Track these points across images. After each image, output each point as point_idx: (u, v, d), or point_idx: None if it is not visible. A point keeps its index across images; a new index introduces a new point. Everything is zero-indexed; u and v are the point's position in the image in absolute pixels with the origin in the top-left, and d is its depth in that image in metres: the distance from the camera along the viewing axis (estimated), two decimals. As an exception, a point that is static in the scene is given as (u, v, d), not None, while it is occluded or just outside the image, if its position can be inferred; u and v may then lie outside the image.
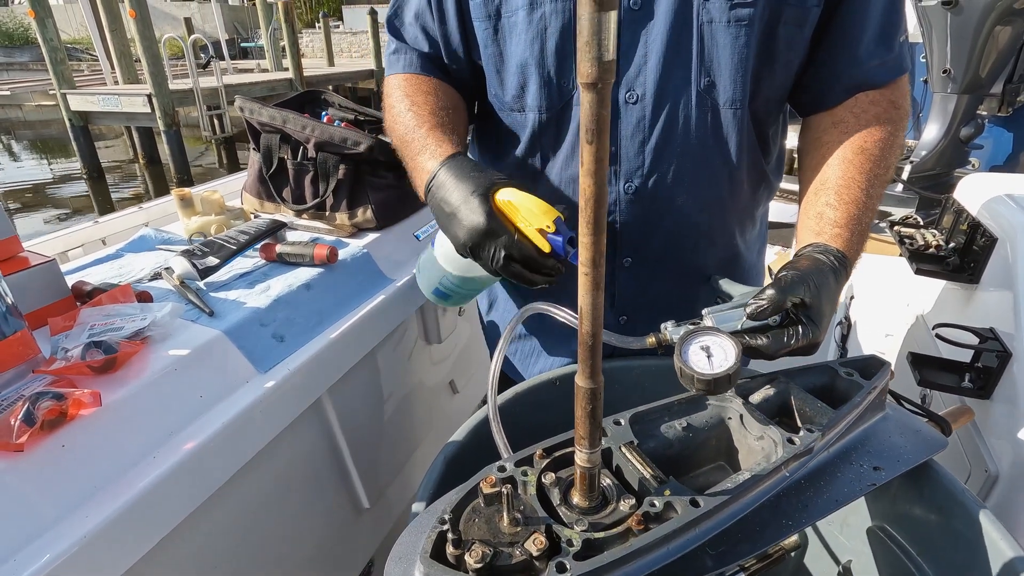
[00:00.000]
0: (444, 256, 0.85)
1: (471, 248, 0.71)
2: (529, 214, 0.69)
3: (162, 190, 10.36)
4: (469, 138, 1.03)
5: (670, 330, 0.66)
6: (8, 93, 14.50)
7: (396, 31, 0.93)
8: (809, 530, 0.94)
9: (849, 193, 0.74)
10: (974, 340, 1.11)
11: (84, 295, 0.92)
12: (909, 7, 2.90)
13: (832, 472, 0.71)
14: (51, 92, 10.70)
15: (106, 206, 9.71)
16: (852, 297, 2.01)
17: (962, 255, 1.34)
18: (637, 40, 0.76)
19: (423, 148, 0.79)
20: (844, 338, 1.98)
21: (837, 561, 0.90)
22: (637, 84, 0.77)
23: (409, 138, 0.82)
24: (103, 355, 0.76)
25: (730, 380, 0.57)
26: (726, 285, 0.74)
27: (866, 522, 0.84)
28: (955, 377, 1.14)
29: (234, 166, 11.90)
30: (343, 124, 1.31)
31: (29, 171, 12.08)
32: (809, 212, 0.76)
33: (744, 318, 0.64)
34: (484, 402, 1.91)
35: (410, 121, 0.83)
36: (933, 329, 1.19)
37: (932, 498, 0.74)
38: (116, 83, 10.97)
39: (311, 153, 1.20)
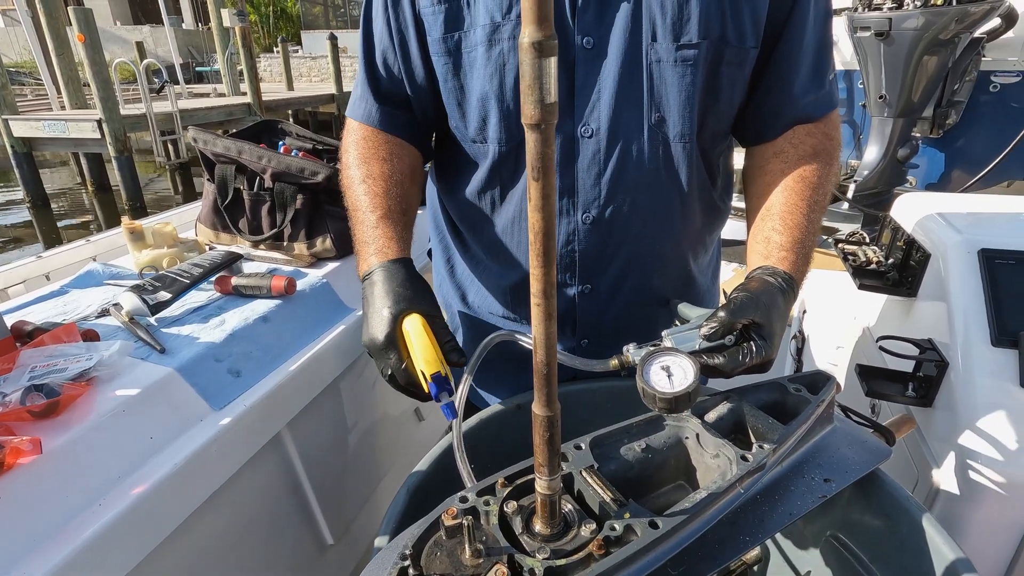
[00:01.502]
0: None
1: (368, 352, 0.78)
2: (417, 355, 0.74)
3: (113, 218, 9.98)
4: (428, 166, 1.04)
5: (632, 352, 0.69)
6: (-56, 119, 13.79)
7: (366, 70, 0.92)
8: (770, 543, 0.96)
9: (793, 218, 0.79)
10: (915, 351, 1.17)
11: (24, 335, 0.88)
12: (844, 40, 3.09)
13: (786, 486, 0.74)
14: (-8, 118, 10.25)
15: (51, 235, 9.28)
16: (805, 311, 2.09)
17: (900, 270, 1.42)
18: (591, 78, 0.80)
19: (371, 239, 0.84)
20: (799, 351, 2.05)
21: (797, 572, 0.92)
22: (592, 119, 0.81)
23: (360, 219, 0.87)
24: (44, 399, 0.72)
25: (690, 398, 0.59)
26: (684, 308, 0.77)
27: (821, 532, 0.87)
28: (900, 387, 1.20)
29: (189, 192, 11.59)
30: (301, 154, 1.30)
31: (-34, 200, 11.47)
32: (757, 237, 0.80)
33: (700, 339, 0.68)
34: (449, 430, 1.90)
35: (363, 198, 0.87)
36: (877, 341, 1.25)
37: (879, 506, 0.77)
38: (63, 108, 10.59)
39: (268, 183, 1.19)
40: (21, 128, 9.56)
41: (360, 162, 0.90)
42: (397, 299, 0.77)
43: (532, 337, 0.49)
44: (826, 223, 3.47)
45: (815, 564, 0.89)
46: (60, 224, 9.91)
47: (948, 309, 1.16)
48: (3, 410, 0.70)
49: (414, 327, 0.75)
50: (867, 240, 1.66)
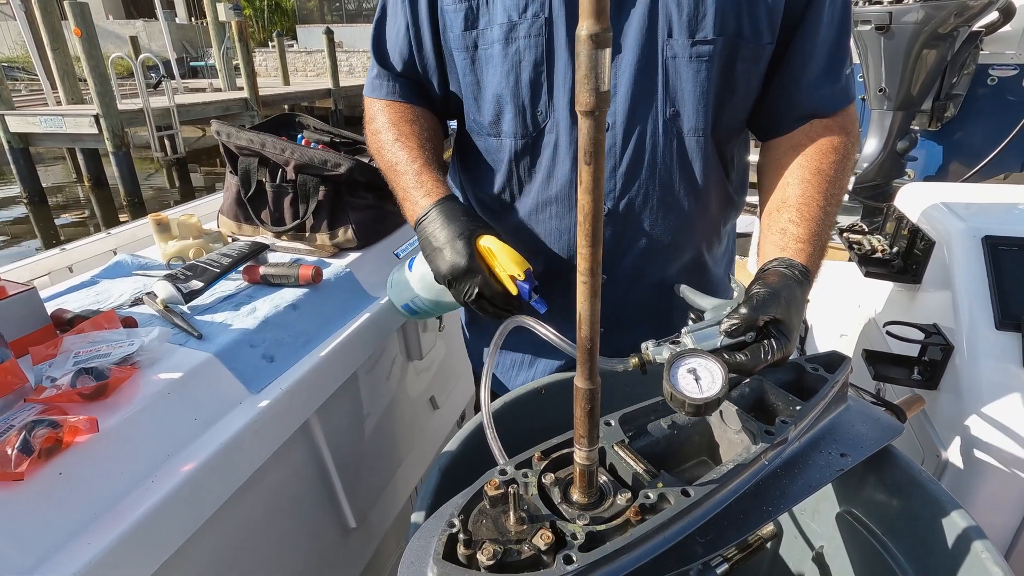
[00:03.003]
0: (420, 280, 0.94)
1: (449, 281, 0.82)
2: (504, 262, 0.80)
3: (110, 213, 9.94)
4: (448, 157, 1.08)
5: (651, 350, 0.69)
6: (-62, 115, 13.69)
7: (379, 56, 0.97)
8: (784, 519, 1.00)
9: (809, 211, 0.80)
10: (920, 336, 1.21)
11: (64, 323, 0.91)
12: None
13: (804, 460, 0.77)
14: (-14, 113, 10.18)
15: (49, 232, 9.25)
16: (807, 301, 2.13)
17: (905, 258, 1.46)
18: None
19: (418, 184, 0.88)
20: (803, 340, 2.09)
21: (811, 547, 0.96)
22: (608, 113, 0.83)
23: (401, 170, 0.91)
24: (94, 381, 0.75)
25: (719, 402, 0.60)
26: (690, 293, 0.78)
27: (835, 508, 0.90)
28: (905, 371, 1.24)
29: (187, 188, 11.54)
30: (320, 146, 1.33)
31: (-38, 197, 11.41)
32: (773, 228, 0.81)
33: (721, 335, 0.68)
34: (463, 417, 1.93)
35: (400, 153, 0.92)
36: (884, 327, 1.28)
37: (893, 481, 0.81)
38: (58, 103, 10.53)
39: (291, 175, 1.21)
40: (17, 123, 9.51)
41: (390, 126, 0.95)
42: (466, 225, 0.81)
43: (577, 313, 0.53)
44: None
45: (829, 539, 0.92)
46: (58, 221, 9.87)
47: (953, 295, 1.20)
48: (56, 392, 0.73)
49: (492, 242, 0.80)
50: (867, 231, 1.70)
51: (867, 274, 1.42)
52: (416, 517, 0.75)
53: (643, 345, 0.70)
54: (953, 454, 1.09)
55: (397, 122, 0.95)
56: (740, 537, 0.69)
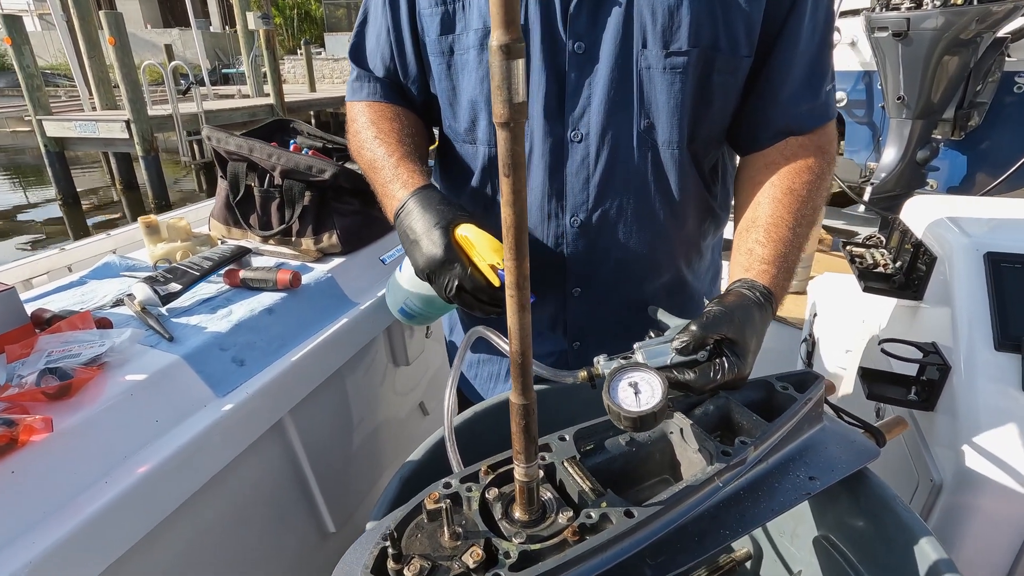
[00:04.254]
0: (408, 279, 0.91)
1: (428, 274, 0.77)
2: (483, 250, 0.75)
3: (139, 215, 10.16)
4: (432, 162, 1.07)
5: (602, 364, 0.67)
6: (-18, 119, 14.36)
7: (358, 59, 0.97)
8: (763, 541, 0.97)
9: (777, 232, 0.77)
10: (918, 355, 1.16)
11: (43, 322, 0.93)
12: (862, 41, 3.05)
13: (770, 483, 0.74)
14: (26, 118, 10.62)
15: (80, 232, 9.57)
16: (815, 315, 2.07)
17: (907, 273, 1.40)
18: (582, 83, 0.81)
19: (395, 177, 0.85)
20: (809, 355, 2.03)
21: (789, 571, 0.92)
22: (581, 124, 0.82)
23: (379, 165, 0.88)
24: (58, 381, 0.76)
25: (655, 417, 0.58)
26: (662, 316, 0.76)
27: (813, 532, 0.87)
28: (903, 390, 1.19)
29: (214, 191, 11.77)
30: (311, 152, 1.34)
31: (2, 197, 11.89)
32: (740, 248, 0.79)
33: (672, 352, 0.66)
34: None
35: (379, 150, 0.89)
36: (879, 344, 1.24)
37: (868, 506, 0.77)
38: (94, 109, 10.92)
39: (277, 180, 1.22)
40: (54, 128, 9.90)
41: (369, 124, 0.92)
42: (443, 214, 0.78)
43: (507, 327, 0.51)
44: (844, 226, 3.42)
45: (807, 563, 0.89)
46: (89, 221, 10.21)
47: (952, 313, 1.15)
48: (19, 391, 0.74)
49: (470, 231, 0.76)
50: (884, 243, 1.64)
51: (866, 289, 1.38)
52: (370, 526, 0.74)
53: (595, 359, 0.68)
54: (948, 478, 1.04)
55: (376, 120, 0.93)
56: (693, 560, 0.66)
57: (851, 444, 0.80)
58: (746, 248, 0.78)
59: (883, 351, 1.23)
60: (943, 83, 2.65)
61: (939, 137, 2.89)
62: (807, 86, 0.83)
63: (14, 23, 9.26)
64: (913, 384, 1.18)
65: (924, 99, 2.67)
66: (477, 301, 0.78)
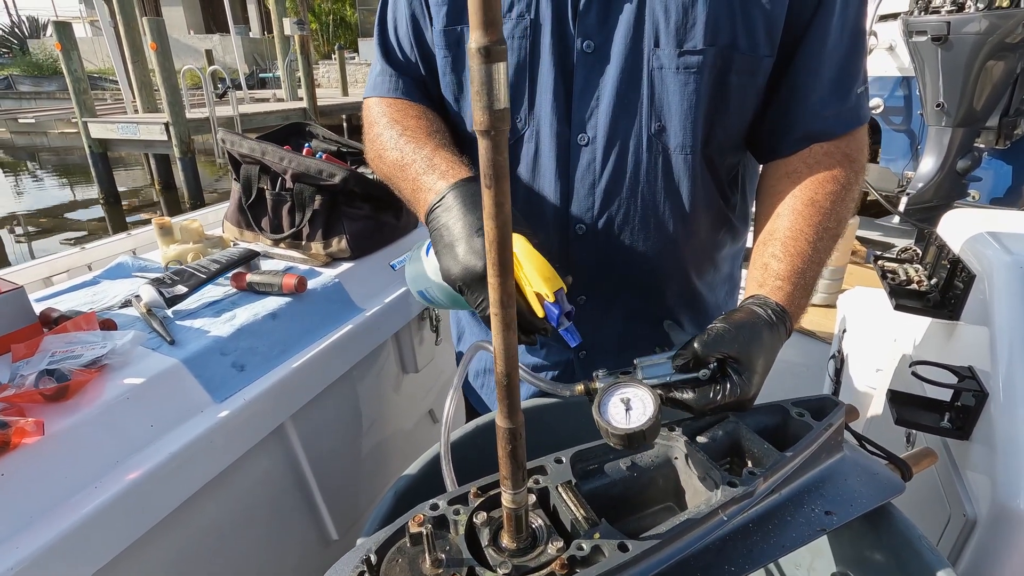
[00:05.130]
0: (435, 272, 0.77)
1: (460, 287, 0.66)
2: (531, 274, 0.63)
3: (176, 214, 10.52)
4: None
5: (600, 378, 0.63)
6: (33, 120, 15.04)
7: (384, 51, 0.91)
8: (776, 575, 0.91)
9: (795, 245, 0.72)
10: (953, 379, 1.09)
11: (51, 322, 0.93)
12: (901, 45, 2.93)
13: (782, 516, 0.69)
14: (73, 120, 11.08)
15: (120, 231, 9.90)
16: (845, 331, 1.99)
17: (943, 291, 1.32)
18: (591, 84, 0.77)
19: (430, 168, 0.73)
20: (838, 372, 1.94)
21: (804, 608, 0.87)
22: (588, 127, 0.78)
23: (409, 160, 0.77)
24: (55, 383, 0.76)
25: (645, 436, 0.55)
26: (672, 331, 0.73)
27: (831, 567, 0.81)
28: (935, 416, 1.11)
29: (247, 192, 12.10)
30: (324, 156, 1.34)
31: (51, 195, 12.42)
32: (756, 262, 0.75)
33: (674, 370, 0.63)
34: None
35: (407, 146, 0.79)
36: (910, 367, 1.16)
37: (890, 544, 0.72)
38: (136, 112, 11.32)
39: (288, 184, 1.22)
40: (98, 130, 10.29)
41: (392, 123, 0.83)
42: None
43: (493, 347, 0.48)
44: (879, 237, 3.28)
45: (823, 600, 0.83)
46: (129, 220, 10.58)
47: (991, 335, 1.07)
48: (18, 391, 0.74)
49: (521, 246, 0.63)
50: (919, 257, 1.55)
51: (897, 307, 1.30)
52: (361, 542, 0.71)
53: (595, 372, 0.65)
54: (982, 514, 0.96)
55: (400, 118, 0.84)
56: (694, 599, 0.62)
57: (873, 477, 0.74)
58: (762, 262, 0.73)
59: (914, 375, 1.16)
60: (987, 89, 2.52)
61: (982, 146, 2.76)
62: (835, 89, 0.78)
63: (64, 30, 9.68)
64: (947, 410, 1.10)
65: (966, 106, 2.54)
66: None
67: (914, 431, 1.28)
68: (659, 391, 0.59)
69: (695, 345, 0.61)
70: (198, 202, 10.52)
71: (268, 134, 1.37)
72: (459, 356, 1.13)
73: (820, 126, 0.78)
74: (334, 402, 1.18)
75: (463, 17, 0.81)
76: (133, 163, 14.63)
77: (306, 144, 1.41)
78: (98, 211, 10.96)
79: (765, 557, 0.65)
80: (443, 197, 0.69)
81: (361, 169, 1.28)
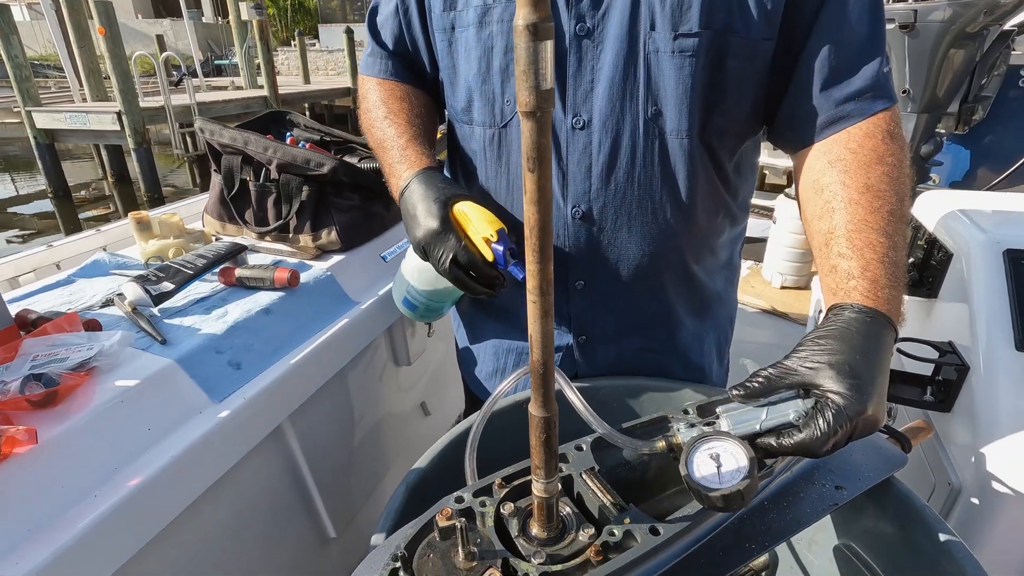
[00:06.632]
0: (410, 270, 0.92)
1: (424, 247, 0.78)
2: (478, 223, 0.76)
3: (131, 209, 10.09)
4: (440, 137, 1.05)
5: (682, 432, 0.58)
6: (-32, 110, 14.13)
7: (374, 32, 0.97)
8: (779, 549, 0.94)
9: (863, 237, 0.66)
10: (934, 354, 1.13)
11: (28, 324, 0.88)
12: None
13: (795, 493, 0.71)
14: (15, 109, 10.46)
15: (71, 226, 9.45)
16: (820, 311, 2.05)
17: (921, 270, 1.37)
18: (586, 67, 0.77)
19: (402, 158, 0.86)
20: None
21: (807, 581, 0.89)
22: (584, 110, 0.78)
23: (388, 146, 0.89)
24: (43, 388, 0.72)
25: (743, 497, 0.50)
26: (750, 366, 0.69)
27: (833, 540, 0.84)
28: (917, 390, 1.16)
29: (207, 184, 11.64)
30: (308, 145, 1.30)
31: (-8, 190, 11.73)
32: (824, 266, 0.68)
33: (764, 418, 0.56)
34: (454, 425, 1.87)
35: (389, 130, 0.90)
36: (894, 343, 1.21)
37: (894, 514, 0.74)
38: (84, 100, 10.75)
39: (274, 175, 1.18)
40: (43, 120, 9.74)
41: (380, 103, 0.94)
42: (442, 191, 0.79)
43: (528, 335, 0.48)
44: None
45: (826, 571, 0.86)
46: (81, 215, 10.09)
47: (970, 311, 1.12)
48: (2, 399, 0.70)
49: (468, 206, 0.77)
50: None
51: (878, 286, 1.34)
52: (376, 539, 0.70)
53: (674, 426, 0.60)
54: (966, 482, 1.01)
55: (387, 99, 0.94)
56: (718, 577, 0.63)
57: (877, 451, 0.77)
58: (830, 265, 0.67)
59: (897, 350, 1.20)
60: (948, 77, 2.61)
61: (943, 131, 2.86)
62: (860, 66, 0.74)
63: (1, 12, 9.08)
64: (928, 384, 1.15)
65: (930, 93, 2.63)
66: (469, 278, 0.77)
67: (895, 406, 1.33)
68: (747, 441, 0.54)
69: (768, 372, 0.56)
70: (156, 195, 10.10)
71: (247, 123, 1.32)
72: (459, 348, 1.12)
73: (852, 107, 0.74)
74: (328, 398, 1.15)
75: (456, 2, 0.83)
76: (81, 155, 13.92)
77: (288, 133, 1.36)
78: (46, 206, 10.40)
79: (783, 533, 0.67)
80: (408, 183, 0.83)
81: (347, 158, 1.24)
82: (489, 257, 0.75)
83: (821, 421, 0.52)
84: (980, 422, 1.01)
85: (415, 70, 0.97)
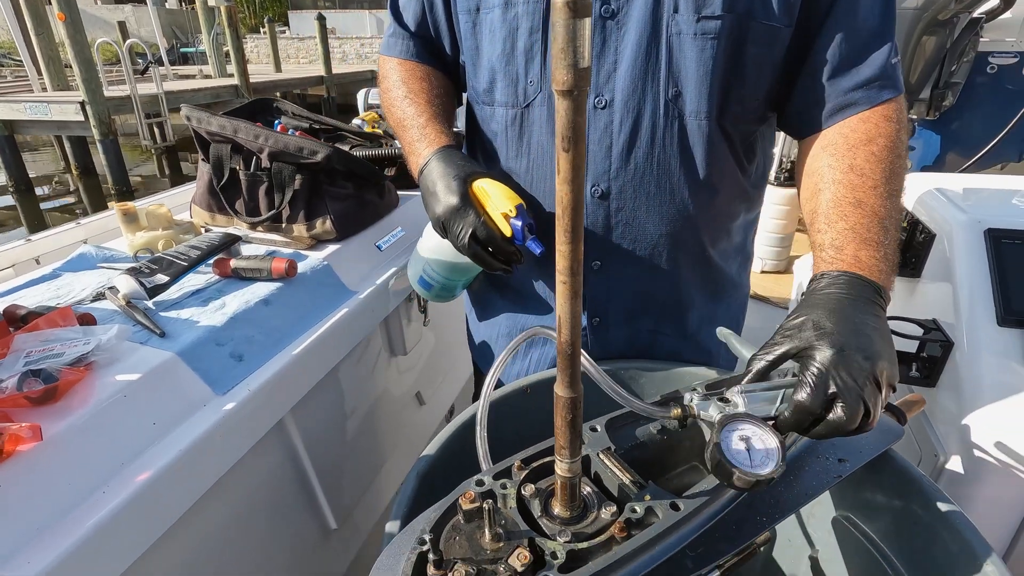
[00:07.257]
0: (427, 247, 0.94)
1: (443, 223, 0.80)
2: (497, 199, 0.77)
3: (98, 202, 9.80)
4: (461, 121, 1.06)
5: (696, 403, 0.60)
6: (-80, 101, 13.44)
7: (396, 13, 0.98)
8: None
9: (838, 211, 0.69)
10: (919, 331, 1.17)
11: (17, 320, 0.85)
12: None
13: (801, 467, 0.74)
14: (-30, 100, 9.99)
15: (35, 221, 9.11)
16: (803, 295, 2.09)
17: (904, 250, 1.42)
18: (608, 47, 0.78)
19: (422, 137, 0.88)
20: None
21: (806, 551, 0.92)
22: (606, 90, 0.79)
23: (408, 124, 0.91)
24: (42, 384, 0.70)
25: (770, 483, 0.53)
26: (733, 340, 0.72)
27: (830, 513, 0.87)
28: (903, 367, 1.20)
29: (177, 176, 11.39)
30: (298, 133, 1.27)
31: (-53, 185, 11.22)
32: (813, 249, 0.72)
33: (779, 401, 0.59)
34: (452, 412, 1.88)
35: (408, 109, 0.92)
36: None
37: (891, 485, 0.77)
38: (44, 90, 10.32)
39: (265, 163, 1.15)
40: (1, 110, 9.32)
41: (400, 83, 0.96)
42: (462, 168, 0.81)
43: (556, 315, 0.48)
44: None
45: (823, 544, 0.89)
46: (44, 207, 9.72)
47: (954, 289, 1.16)
48: (0, 396, 0.68)
49: (487, 183, 0.79)
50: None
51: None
52: (391, 527, 0.70)
53: (687, 395, 0.62)
54: (952, 454, 1.06)
55: (407, 79, 0.96)
56: (733, 549, 0.65)
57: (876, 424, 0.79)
58: (814, 243, 0.71)
59: (884, 328, 1.24)
60: (920, 63, 2.67)
61: (914, 117, 2.94)
62: (867, 57, 0.75)
63: (-49, -2, 8.64)
64: (914, 361, 1.19)
65: (903, 79, 2.70)
66: (487, 254, 0.79)
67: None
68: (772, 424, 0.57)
69: (760, 353, 0.61)
70: (124, 188, 9.78)
71: (234, 110, 1.28)
72: (470, 330, 1.12)
73: (855, 98, 0.76)
74: (326, 389, 1.14)
75: None
76: (41, 146, 13.39)
77: (276, 121, 1.33)
78: (7, 200, 9.99)
79: (791, 506, 0.69)
80: (428, 160, 0.85)
81: (340, 146, 1.22)
82: (507, 232, 0.77)
83: (807, 376, 0.57)
84: (964, 396, 1.06)
85: (435, 52, 0.99)
